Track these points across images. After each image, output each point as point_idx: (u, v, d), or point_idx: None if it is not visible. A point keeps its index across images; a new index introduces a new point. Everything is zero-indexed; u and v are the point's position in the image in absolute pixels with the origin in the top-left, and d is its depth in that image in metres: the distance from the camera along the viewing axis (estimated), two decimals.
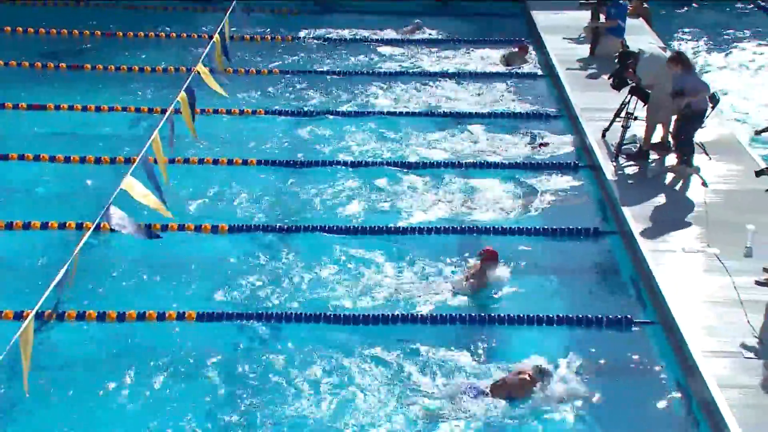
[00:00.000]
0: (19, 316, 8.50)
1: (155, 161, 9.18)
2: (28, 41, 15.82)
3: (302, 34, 17.03)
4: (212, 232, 10.41)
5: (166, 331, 8.76)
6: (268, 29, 17.17)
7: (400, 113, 13.74)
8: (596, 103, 13.40)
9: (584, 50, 15.67)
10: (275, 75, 15.11)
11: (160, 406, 7.78)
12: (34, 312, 6.14)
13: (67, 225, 10.29)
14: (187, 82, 10.38)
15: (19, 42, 15.75)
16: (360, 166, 12.02)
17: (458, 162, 12.26)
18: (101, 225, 7.54)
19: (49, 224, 10.32)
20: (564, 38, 16.38)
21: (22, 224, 10.32)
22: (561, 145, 12.84)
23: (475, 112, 13.85)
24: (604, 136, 12.44)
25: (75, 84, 14.44)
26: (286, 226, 10.56)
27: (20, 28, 15.97)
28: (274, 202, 11.26)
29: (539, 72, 15.53)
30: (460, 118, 13.66)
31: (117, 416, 7.69)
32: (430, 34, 17.18)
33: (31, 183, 11.54)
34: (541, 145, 9.63)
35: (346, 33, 17.21)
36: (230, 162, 11.96)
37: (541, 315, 9.08)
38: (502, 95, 14.61)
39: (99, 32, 16.11)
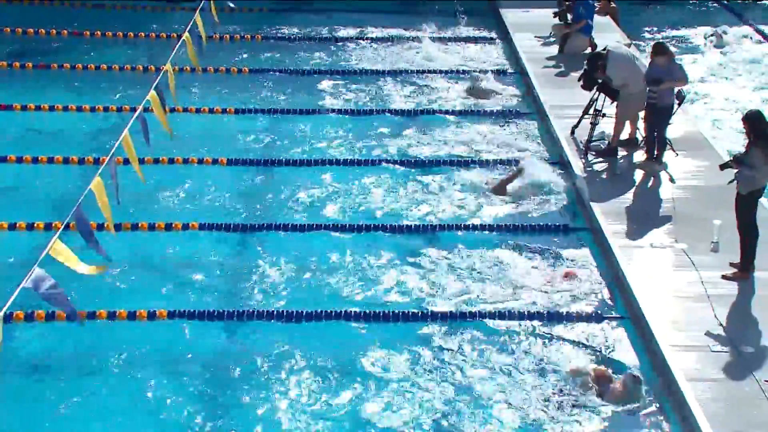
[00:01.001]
0: None
1: (126, 161, 9.13)
2: None
3: (278, 32, 16.99)
4: (183, 229, 10.38)
5: (139, 330, 8.74)
6: (241, 27, 17.10)
7: (372, 111, 13.75)
8: (565, 100, 13.48)
9: (553, 48, 15.77)
10: (246, 74, 15.05)
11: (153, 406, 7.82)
12: (1, 313, 6.04)
13: (35, 225, 10.21)
14: (157, 80, 10.33)
15: None
16: (333, 165, 12.07)
17: (425, 160, 12.30)
18: (70, 225, 7.46)
19: (17, 225, 10.23)
20: (533, 36, 16.46)
21: (6, 225, 10.23)
22: (531, 141, 12.94)
23: (444, 110, 13.89)
24: (573, 132, 12.53)
25: (43, 84, 14.30)
26: (254, 225, 10.58)
27: None
28: (243, 201, 11.23)
29: (509, 70, 15.59)
30: (430, 115, 13.69)
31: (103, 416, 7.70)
32: (407, 33, 17.18)
33: (14, 182, 11.47)
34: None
35: (321, 30, 17.19)
36: (200, 161, 11.93)
37: (511, 310, 9.15)
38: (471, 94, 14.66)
39: (66, 31, 15.96)
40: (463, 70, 15.37)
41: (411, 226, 10.68)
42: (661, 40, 13.73)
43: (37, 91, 13.82)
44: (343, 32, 17.17)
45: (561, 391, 8.06)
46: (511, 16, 17.59)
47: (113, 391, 8.00)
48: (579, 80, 12.43)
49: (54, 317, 8.68)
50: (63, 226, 7.38)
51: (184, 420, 7.71)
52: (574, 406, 7.89)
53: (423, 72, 15.34)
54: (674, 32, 18.16)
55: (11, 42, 15.66)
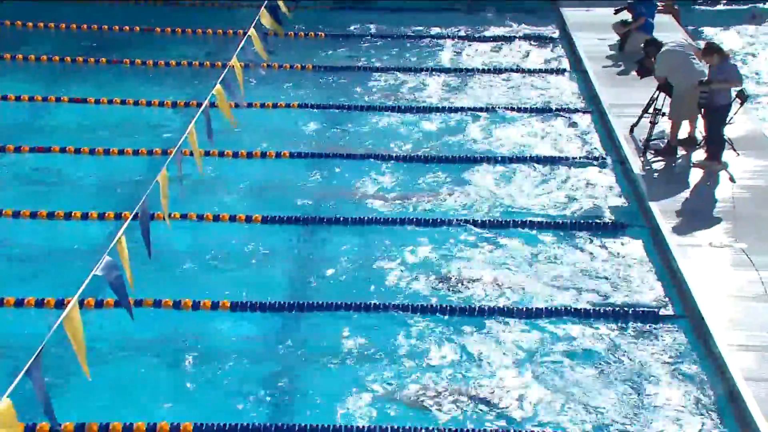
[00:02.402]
0: (61, 304, 8.81)
1: (191, 153, 9.44)
2: (71, 37, 16.14)
3: (341, 29, 17.20)
4: (246, 221, 10.67)
5: (204, 319, 9.04)
6: (305, 24, 17.33)
7: (436, 108, 13.90)
8: (625, 99, 13.49)
9: (614, 47, 15.76)
10: (309, 70, 15.28)
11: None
12: (75, 298, 6.30)
13: (106, 215, 10.57)
14: (222, 75, 10.62)
15: (62, 37, 16.07)
16: (395, 161, 12.24)
17: (487, 156, 12.42)
18: (138, 216, 7.79)
19: (89, 214, 10.61)
20: (593, 34, 16.45)
21: (63, 214, 10.60)
22: (590, 140, 12.99)
23: (502, 107, 13.97)
24: (632, 131, 12.55)
25: (115, 78, 14.74)
26: (318, 218, 10.81)
27: (63, 24, 16.27)
28: (306, 195, 11.48)
29: (567, 68, 15.61)
30: (489, 113, 13.80)
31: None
32: (467, 32, 17.28)
33: (72, 174, 11.85)
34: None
35: (385, 28, 17.36)
36: (264, 155, 12.19)
37: (568, 307, 9.25)
38: (531, 90, 14.72)
39: (138, 28, 16.38)
40: (522, 70, 15.44)
41: (476, 220, 10.81)
42: (713, 40, 13.64)
43: (111, 86, 14.25)
44: (406, 30, 17.32)
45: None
46: (572, 14, 17.59)
47: (187, 377, 8.30)
48: (635, 64, 12.56)
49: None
50: (132, 217, 7.71)
51: (256, 405, 7.98)
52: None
53: (483, 71, 15.43)
54: (737, 31, 17.95)
55: (89, 38, 16.11)
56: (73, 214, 10.60)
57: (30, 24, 16.36)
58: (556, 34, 17.10)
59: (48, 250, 10.19)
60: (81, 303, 6.32)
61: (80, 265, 9.44)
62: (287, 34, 16.36)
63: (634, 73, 12.96)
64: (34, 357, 5.60)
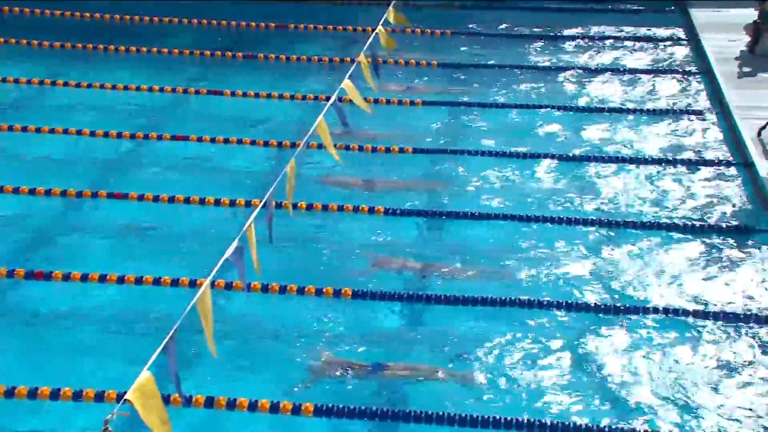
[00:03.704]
0: (194, 284, 9.46)
1: (319, 146, 9.92)
2: (210, 33, 16.92)
3: (469, 27, 17.45)
4: (369, 213, 11.11)
5: (324, 308, 9.51)
6: (433, 22, 17.64)
7: (552, 107, 14.05)
8: (752, 101, 13.30)
9: (743, 48, 15.50)
10: (435, 67, 15.61)
11: None
12: (208, 281, 6.79)
13: (237, 202, 11.21)
14: (351, 70, 11.08)
15: (203, 33, 16.86)
16: (517, 158, 12.47)
17: (605, 156, 12.50)
18: (267, 204, 8.31)
19: (221, 200, 11.26)
20: (723, 35, 16.20)
21: (198, 200, 11.30)
22: (715, 142, 12.89)
23: (625, 108, 14.02)
24: (759, 134, 12.40)
25: (250, 73, 15.41)
26: (438, 212, 11.17)
27: (204, 21, 17.07)
28: (427, 190, 11.84)
29: (694, 69, 15.46)
30: (609, 113, 13.87)
31: None
32: (592, 31, 17.28)
33: (205, 162, 12.54)
34: None
35: (513, 27, 17.51)
36: (388, 150, 12.62)
37: (697, 309, 9.38)
38: (654, 92, 14.65)
39: (273, 24, 17.03)
40: (646, 70, 15.39)
41: (588, 219, 10.98)
42: None
43: (245, 80, 14.90)
44: (530, 28, 17.41)
45: None
46: (700, 15, 17.33)
47: (295, 355, 8.79)
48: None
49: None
50: (261, 205, 8.24)
51: (359, 393, 8.41)
52: None
53: (607, 70, 15.45)
54: None
55: (226, 34, 16.85)
56: (206, 200, 11.26)
57: (170, 19, 17.20)
58: (683, 35, 16.91)
59: (182, 232, 10.86)
60: (212, 284, 6.80)
61: (213, 249, 10.16)
62: (414, 31, 16.73)
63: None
64: (170, 334, 6.10)
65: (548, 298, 9.51)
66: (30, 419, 7.93)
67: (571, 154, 12.57)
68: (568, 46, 16.60)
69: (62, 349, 8.85)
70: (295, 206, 9.56)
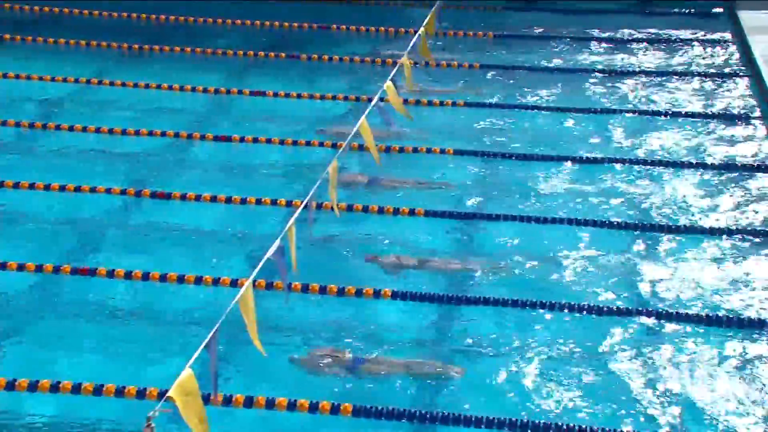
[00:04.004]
0: (235, 283, 9.53)
1: (360, 146, 9.97)
2: (252, 33, 17.06)
3: (510, 29, 17.41)
4: (409, 215, 11.11)
5: (371, 309, 9.52)
6: (474, 23, 17.62)
7: (605, 110, 13.96)
8: None
9: None
10: (477, 69, 15.57)
11: None
12: (250, 280, 6.83)
13: (278, 202, 11.27)
14: (393, 72, 11.12)
15: (245, 33, 17.00)
16: (562, 161, 12.41)
17: (648, 160, 12.41)
18: (311, 205, 8.36)
19: (262, 200, 11.32)
20: None
21: (239, 200, 11.38)
22: (763, 146, 12.74)
23: (673, 112, 13.88)
24: None
25: (289, 72, 15.51)
26: (478, 214, 11.17)
27: (248, 21, 17.22)
28: (470, 191, 11.83)
29: (742, 71, 15.27)
30: (652, 117, 13.75)
31: None
32: (630, 33, 17.16)
33: (247, 162, 12.62)
34: None
35: (555, 28, 17.43)
36: (429, 150, 12.62)
37: (730, 317, 9.25)
38: (700, 94, 14.51)
39: (316, 25, 17.12)
40: (692, 73, 15.25)
41: (655, 224, 10.91)
42: None
43: (285, 79, 15.00)
44: (576, 31, 17.33)
45: None
46: (749, 17, 17.11)
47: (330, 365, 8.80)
48: None
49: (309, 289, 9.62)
50: (302, 206, 8.29)
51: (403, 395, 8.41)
52: None
53: (652, 73, 15.33)
54: None
55: (268, 35, 16.98)
56: (248, 200, 11.34)
57: (214, 19, 17.39)
58: (730, 37, 16.71)
59: (223, 231, 10.94)
60: (253, 284, 6.85)
61: (251, 248, 10.27)
62: (456, 33, 16.73)
63: None
64: (212, 333, 6.16)
65: (570, 302, 9.43)
66: (74, 412, 8.03)
67: (632, 158, 12.46)
68: (611, 48, 16.48)
69: (102, 345, 8.96)
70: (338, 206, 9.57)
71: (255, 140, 12.94)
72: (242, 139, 12.95)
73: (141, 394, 8.00)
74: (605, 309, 9.34)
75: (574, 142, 13.05)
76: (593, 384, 8.44)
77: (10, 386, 8.11)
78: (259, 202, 11.33)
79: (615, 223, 10.92)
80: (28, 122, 13.33)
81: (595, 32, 17.13)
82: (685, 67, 15.54)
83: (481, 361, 8.75)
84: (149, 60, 15.88)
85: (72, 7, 17.64)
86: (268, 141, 12.91)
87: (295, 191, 11.41)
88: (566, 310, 9.28)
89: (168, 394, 5.54)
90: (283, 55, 15.85)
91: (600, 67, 15.61)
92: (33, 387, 8.06)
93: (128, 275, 9.77)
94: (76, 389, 8.04)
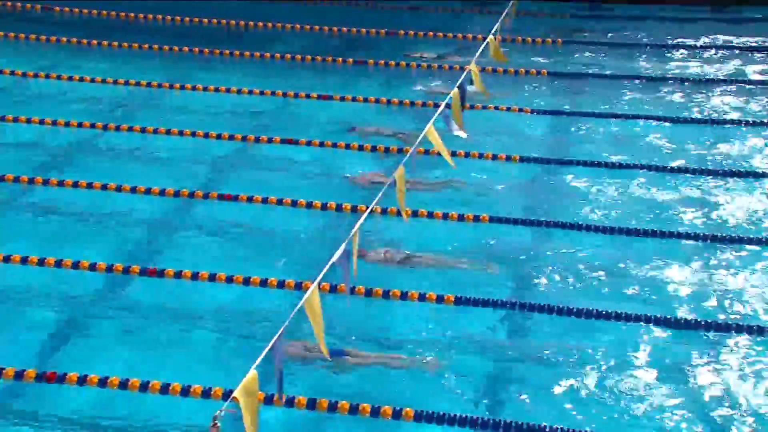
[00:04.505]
0: (300, 286, 9.59)
1: (426, 152, 9.98)
2: (321, 38, 17.22)
3: (578, 36, 17.27)
4: (474, 221, 11.09)
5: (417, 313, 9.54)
6: (542, 31, 17.54)
7: (670, 119, 13.80)
8: None
9: None
10: (545, 76, 15.50)
11: None
12: (316, 282, 6.87)
13: (343, 207, 11.32)
14: (461, 79, 11.10)
15: (315, 38, 17.17)
16: (626, 169, 12.29)
17: (712, 170, 12.24)
18: (375, 210, 8.39)
19: (328, 205, 11.39)
20: None
21: (305, 203, 11.47)
22: None
23: (729, 120, 13.69)
24: None
25: (357, 78, 15.63)
26: (543, 222, 11.09)
27: (317, 27, 17.39)
28: (531, 198, 11.78)
29: None
30: (713, 125, 13.59)
31: None
32: (705, 41, 16.90)
33: (314, 166, 12.73)
34: None
35: (620, 36, 17.25)
36: (494, 157, 12.56)
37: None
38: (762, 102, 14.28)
39: (384, 31, 17.20)
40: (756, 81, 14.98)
41: (716, 235, 10.75)
42: None
43: (353, 85, 15.12)
44: (646, 39, 17.12)
45: None
46: None
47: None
48: None
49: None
50: (368, 212, 8.32)
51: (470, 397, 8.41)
52: None
53: (720, 81, 15.13)
54: None
55: (336, 39, 17.12)
56: (313, 204, 11.41)
57: (283, 24, 17.58)
58: None
59: (287, 235, 11.02)
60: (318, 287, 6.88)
61: (317, 251, 10.33)
62: (524, 39, 16.66)
63: None
64: (278, 335, 6.21)
65: (645, 313, 9.30)
66: (141, 411, 8.17)
67: (687, 167, 12.33)
68: (682, 55, 16.27)
69: (169, 345, 9.09)
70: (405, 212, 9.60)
71: (321, 144, 13.03)
72: (309, 143, 13.05)
73: (206, 393, 8.09)
74: (674, 321, 9.21)
75: (645, 151, 12.91)
76: (666, 395, 8.32)
77: (102, 383, 8.24)
78: (324, 207, 11.39)
79: (686, 233, 10.77)
80: (102, 123, 13.63)
81: (664, 39, 16.91)
82: (763, 75, 15.25)
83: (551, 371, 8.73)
84: (220, 64, 16.13)
85: (147, 13, 18.04)
86: (334, 145, 12.96)
87: (361, 196, 11.44)
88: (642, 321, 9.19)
89: (233, 395, 5.61)
90: (351, 60, 15.95)
91: (665, 73, 15.42)
92: (102, 383, 8.22)
93: (195, 276, 9.88)
94: (144, 387, 8.18)
